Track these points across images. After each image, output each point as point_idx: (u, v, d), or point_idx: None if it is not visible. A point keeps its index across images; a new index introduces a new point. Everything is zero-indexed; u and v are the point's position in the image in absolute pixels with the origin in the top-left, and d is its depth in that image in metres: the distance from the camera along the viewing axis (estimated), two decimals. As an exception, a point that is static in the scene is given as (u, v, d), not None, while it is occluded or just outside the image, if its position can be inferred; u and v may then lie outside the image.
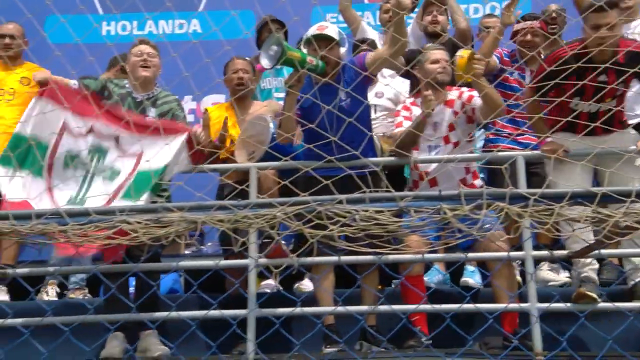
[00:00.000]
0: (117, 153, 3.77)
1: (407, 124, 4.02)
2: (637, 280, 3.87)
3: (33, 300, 4.19)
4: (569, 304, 3.56)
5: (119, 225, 3.01)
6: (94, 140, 3.79)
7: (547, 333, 3.39)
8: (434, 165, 4.00)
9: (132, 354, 3.82)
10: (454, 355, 3.34)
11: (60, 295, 4.74)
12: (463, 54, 3.77)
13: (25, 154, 3.69)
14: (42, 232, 3.03)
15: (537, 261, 4.35)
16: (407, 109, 4.20)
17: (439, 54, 4.13)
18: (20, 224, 2.98)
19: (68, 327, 3.43)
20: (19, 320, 3.43)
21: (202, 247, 5.05)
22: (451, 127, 4.04)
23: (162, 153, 3.67)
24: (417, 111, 4.05)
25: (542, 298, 3.50)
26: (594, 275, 3.78)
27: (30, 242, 3.16)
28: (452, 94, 4.12)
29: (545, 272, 4.51)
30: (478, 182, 4.09)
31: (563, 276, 4.46)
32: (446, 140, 4.04)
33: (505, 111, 4.04)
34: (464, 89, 4.07)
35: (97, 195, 3.57)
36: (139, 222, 3.02)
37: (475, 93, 3.98)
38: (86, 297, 4.67)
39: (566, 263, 4.18)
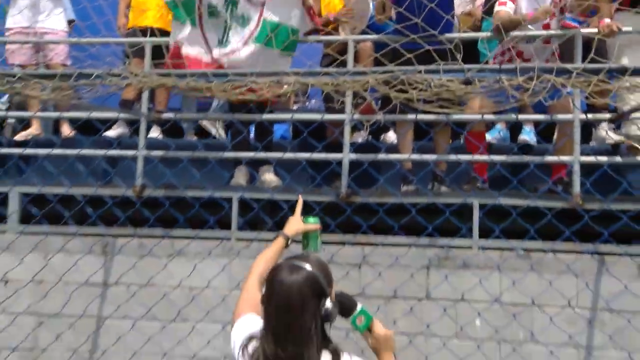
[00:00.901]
0: (245, 2, 4.09)
1: (510, 5, 4.07)
2: None
3: (184, 139, 5.07)
4: (605, 157, 3.98)
5: (250, 85, 3.69)
6: None
7: (595, 186, 3.82)
8: (530, 46, 4.12)
9: (254, 184, 4.53)
10: (507, 196, 3.91)
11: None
12: None
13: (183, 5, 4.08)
14: (194, 87, 3.76)
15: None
16: None
17: None
18: (179, 80, 3.70)
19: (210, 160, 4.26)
20: (180, 153, 4.28)
21: (307, 103, 5.68)
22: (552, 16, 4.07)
23: (283, 6, 4.09)
24: None
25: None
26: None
27: (185, 94, 3.89)
28: None
29: (603, 131, 4.70)
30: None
31: (618, 135, 4.58)
32: (545, 27, 4.11)
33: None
34: None
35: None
36: (265, 83, 3.69)
37: None
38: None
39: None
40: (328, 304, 1.91)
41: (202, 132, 5.53)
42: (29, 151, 4.59)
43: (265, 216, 4.10)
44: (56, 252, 4.10)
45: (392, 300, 3.82)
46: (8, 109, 5.46)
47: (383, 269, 3.85)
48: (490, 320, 3.69)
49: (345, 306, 2.07)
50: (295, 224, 2.44)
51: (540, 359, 3.61)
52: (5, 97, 5.64)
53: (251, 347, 1.96)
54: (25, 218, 4.37)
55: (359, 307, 2.11)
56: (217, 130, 5.47)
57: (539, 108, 4.15)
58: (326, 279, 1.96)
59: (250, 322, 2.07)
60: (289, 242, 2.42)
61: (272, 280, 1.94)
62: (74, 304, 4.04)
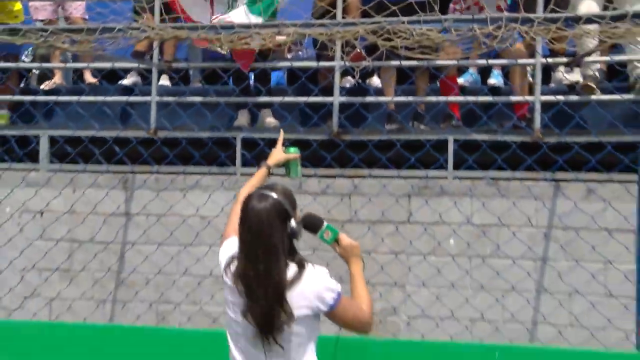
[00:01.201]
0: None
1: None
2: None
3: (189, 85, 5.39)
4: (563, 97, 4.29)
5: (254, 36, 4.03)
6: None
7: (553, 121, 4.15)
8: None
9: (254, 125, 4.87)
10: (478, 131, 4.30)
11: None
12: None
13: None
14: (205, 38, 4.08)
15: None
16: None
17: None
18: (192, 32, 4.03)
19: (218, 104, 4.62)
20: (191, 98, 4.64)
21: (300, 52, 5.99)
22: None
23: None
24: None
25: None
26: (596, 73, 4.44)
27: (195, 44, 4.21)
28: None
29: (559, 73, 4.95)
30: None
31: (574, 76, 4.71)
32: None
33: None
34: None
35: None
36: (267, 34, 4.03)
37: None
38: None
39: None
40: (293, 223, 2.12)
41: (207, 79, 5.84)
42: (62, 98, 4.93)
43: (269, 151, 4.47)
44: (87, 187, 4.52)
45: (380, 223, 4.21)
46: (32, 61, 5.78)
47: (372, 196, 4.22)
48: (463, 237, 4.10)
49: (314, 224, 2.26)
50: (277, 154, 2.62)
51: (504, 270, 4.03)
52: (30, 50, 5.93)
53: (233, 266, 2.15)
54: (61, 157, 4.75)
55: (325, 223, 2.28)
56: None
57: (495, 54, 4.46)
58: (291, 204, 2.14)
59: (234, 244, 2.21)
60: (271, 170, 2.60)
61: (245, 208, 2.13)
62: (105, 231, 4.48)
